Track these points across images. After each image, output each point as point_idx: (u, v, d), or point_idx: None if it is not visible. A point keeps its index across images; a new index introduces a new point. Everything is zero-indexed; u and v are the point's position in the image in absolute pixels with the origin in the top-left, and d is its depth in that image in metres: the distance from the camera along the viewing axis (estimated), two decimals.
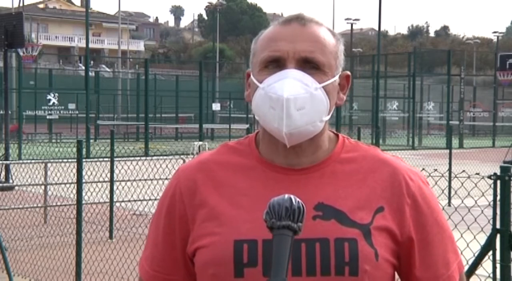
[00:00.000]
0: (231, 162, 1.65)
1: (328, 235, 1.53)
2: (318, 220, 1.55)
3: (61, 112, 28.00)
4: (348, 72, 1.68)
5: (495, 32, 57.74)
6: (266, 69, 1.59)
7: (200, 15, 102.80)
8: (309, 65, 1.57)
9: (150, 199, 10.58)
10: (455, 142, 25.44)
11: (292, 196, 1.35)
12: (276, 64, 1.58)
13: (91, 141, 26.33)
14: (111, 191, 9.93)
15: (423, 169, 4.46)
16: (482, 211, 4.53)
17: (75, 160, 7.61)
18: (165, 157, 11.85)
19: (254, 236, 1.52)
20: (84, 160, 7.48)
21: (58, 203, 11.29)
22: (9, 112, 18.38)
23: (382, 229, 1.57)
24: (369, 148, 1.68)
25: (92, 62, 54.99)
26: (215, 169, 1.65)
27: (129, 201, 11.44)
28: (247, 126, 25.56)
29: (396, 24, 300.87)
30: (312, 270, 1.52)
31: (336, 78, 1.62)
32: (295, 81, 1.54)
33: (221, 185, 1.62)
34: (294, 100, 1.53)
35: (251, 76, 1.63)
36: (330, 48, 1.61)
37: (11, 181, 14.08)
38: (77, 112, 29.65)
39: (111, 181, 9.94)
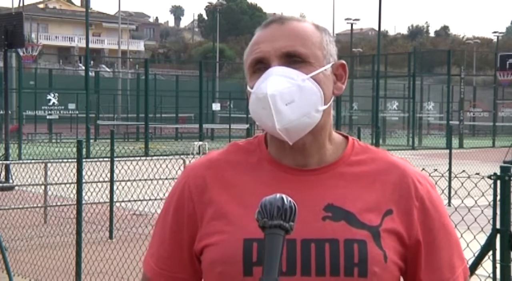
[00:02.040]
0: (241, 162, 1.66)
1: (338, 236, 1.54)
2: (328, 221, 1.56)
3: (61, 112, 28.01)
4: (343, 61, 1.67)
5: (495, 32, 57.82)
6: (255, 73, 1.60)
7: (200, 15, 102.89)
8: (293, 59, 1.57)
9: (150, 199, 10.58)
10: (455, 142, 25.44)
11: (283, 196, 1.35)
12: (262, 66, 1.59)
13: (91, 141, 26.33)
14: (111, 191, 9.93)
15: (423, 169, 4.45)
16: (482, 211, 4.53)
17: (75, 160, 7.61)
18: (165, 157, 11.85)
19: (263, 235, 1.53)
20: (84, 160, 7.48)
21: (58, 203, 11.30)
22: (9, 112, 18.38)
23: (391, 232, 1.57)
24: (378, 151, 1.68)
25: (92, 62, 55.02)
26: (224, 168, 1.65)
27: (129, 201, 11.44)
28: (247, 126, 25.54)
29: (396, 24, 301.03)
30: (321, 270, 1.53)
31: (327, 67, 1.61)
32: (279, 77, 1.54)
33: (230, 184, 1.62)
34: (280, 95, 1.53)
35: (247, 85, 1.64)
36: (312, 40, 1.61)
37: (11, 181, 14.08)
38: (77, 112, 29.66)
39: (111, 181, 9.94)
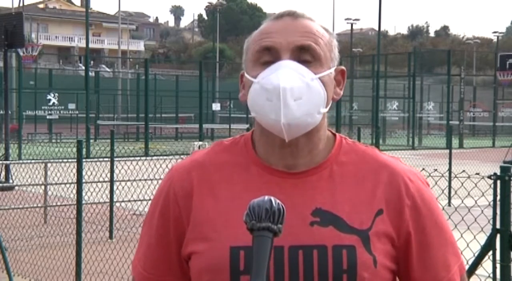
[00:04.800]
0: (227, 163, 1.61)
1: (326, 242, 1.51)
2: (316, 226, 1.52)
3: (61, 112, 28.01)
4: (343, 67, 1.64)
5: (495, 32, 57.77)
6: (259, 63, 1.55)
7: (200, 15, 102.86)
8: (304, 56, 1.54)
9: (150, 199, 10.53)
10: (455, 142, 25.42)
11: (272, 198, 1.33)
12: (269, 56, 1.54)
13: (91, 141, 26.31)
14: (111, 191, 9.93)
15: (423, 169, 4.46)
16: (482, 211, 4.53)
17: (75, 160, 7.60)
18: (165, 157, 11.83)
19: (251, 242, 1.46)
20: (84, 160, 7.47)
21: (58, 203, 11.29)
22: (9, 112, 18.38)
23: (381, 234, 1.54)
24: (366, 149, 1.64)
25: (92, 62, 55.02)
26: (210, 170, 1.61)
27: (129, 201, 11.44)
28: (247, 126, 25.57)
29: (396, 24, 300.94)
30: (309, 278, 1.49)
31: (332, 70, 1.59)
32: (291, 71, 1.51)
33: (216, 188, 1.58)
34: (290, 89, 1.49)
35: (245, 75, 1.59)
36: (324, 40, 1.58)
37: (11, 181, 14.08)
38: (77, 112, 29.67)
39: (111, 181, 9.93)
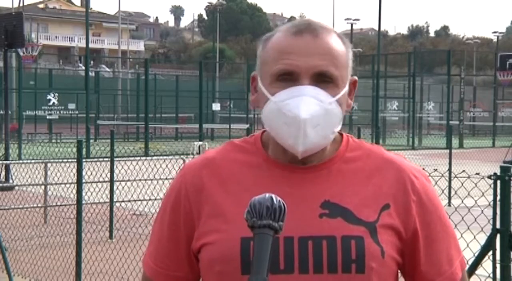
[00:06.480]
0: (237, 160, 1.66)
1: (335, 233, 1.55)
2: (325, 218, 1.57)
3: (61, 112, 28.01)
4: (355, 78, 1.68)
5: (495, 32, 57.78)
6: (279, 82, 1.57)
7: (200, 15, 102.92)
8: (323, 79, 1.56)
9: (150, 199, 10.57)
10: (455, 142, 25.41)
11: (273, 195, 1.35)
12: (289, 77, 1.57)
13: (91, 141, 26.30)
14: (111, 191, 9.93)
15: (423, 169, 4.45)
16: (482, 211, 4.53)
17: (75, 160, 7.61)
18: (165, 157, 11.84)
19: None
20: (84, 160, 7.47)
21: (58, 203, 11.29)
22: (9, 112, 18.38)
23: (388, 227, 1.58)
24: (372, 147, 1.70)
25: (92, 62, 54.99)
26: (221, 166, 1.65)
27: (129, 201, 11.43)
28: (247, 126, 25.53)
29: (396, 24, 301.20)
30: (319, 267, 1.53)
31: (347, 86, 1.63)
32: (311, 99, 1.54)
33: (227, 182, 1.63)
34: (311, 119, 1.53)
35: (260, 84, 1.61)
36: (342, 60, 1.60)
37: (11, 181, 14.07)
38: (77, 112, 29.67)
39: (111, 181, 9.93)
